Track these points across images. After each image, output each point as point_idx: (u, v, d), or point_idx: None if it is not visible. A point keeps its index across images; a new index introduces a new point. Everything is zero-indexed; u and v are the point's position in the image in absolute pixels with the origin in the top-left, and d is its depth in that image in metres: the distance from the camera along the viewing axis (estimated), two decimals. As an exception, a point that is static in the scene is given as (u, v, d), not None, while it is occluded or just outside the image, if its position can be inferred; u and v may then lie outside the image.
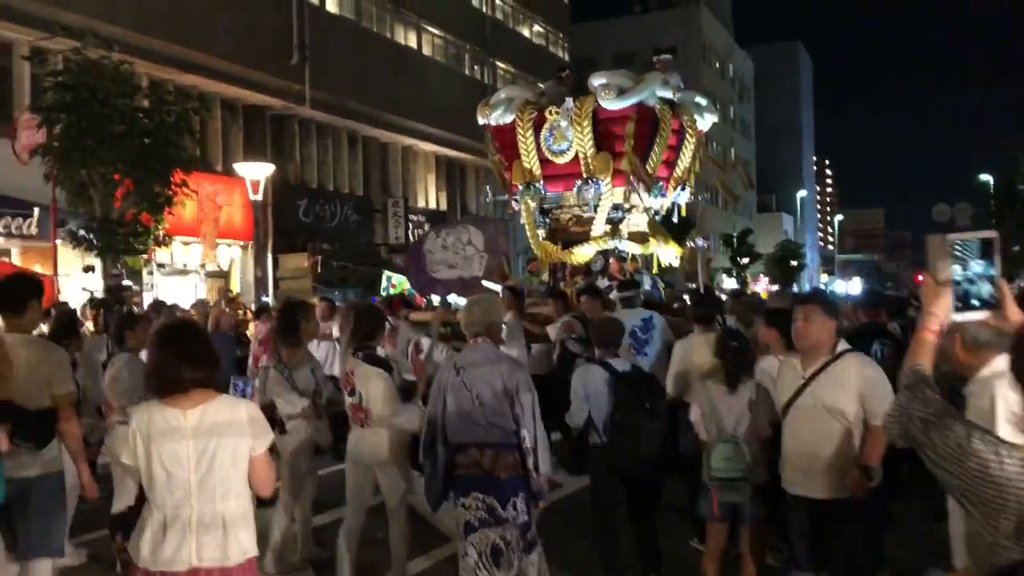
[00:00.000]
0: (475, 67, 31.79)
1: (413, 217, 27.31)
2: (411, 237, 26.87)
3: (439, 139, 28.44)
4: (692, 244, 12.19)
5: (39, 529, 4.18)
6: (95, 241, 13.84)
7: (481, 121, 11.77)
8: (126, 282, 13.92)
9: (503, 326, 8.82)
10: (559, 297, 9.41)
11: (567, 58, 38.64)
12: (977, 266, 2.23)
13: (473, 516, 4.18)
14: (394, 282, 17.78)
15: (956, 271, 2.22)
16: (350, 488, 5.10)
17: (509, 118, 11.23)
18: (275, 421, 5.05)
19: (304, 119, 24.13)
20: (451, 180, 30.98)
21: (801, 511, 4.15)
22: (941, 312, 2.22)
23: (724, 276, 47.71)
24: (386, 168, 28.17)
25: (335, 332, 8.79)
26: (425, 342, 8.24)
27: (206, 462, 2.97)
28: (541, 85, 12.31)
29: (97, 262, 14.41)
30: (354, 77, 24.68)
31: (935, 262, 2.24)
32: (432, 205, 29.88)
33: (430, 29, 29.25)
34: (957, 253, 2.23)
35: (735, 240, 48.17)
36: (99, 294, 12.58)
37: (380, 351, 5.46)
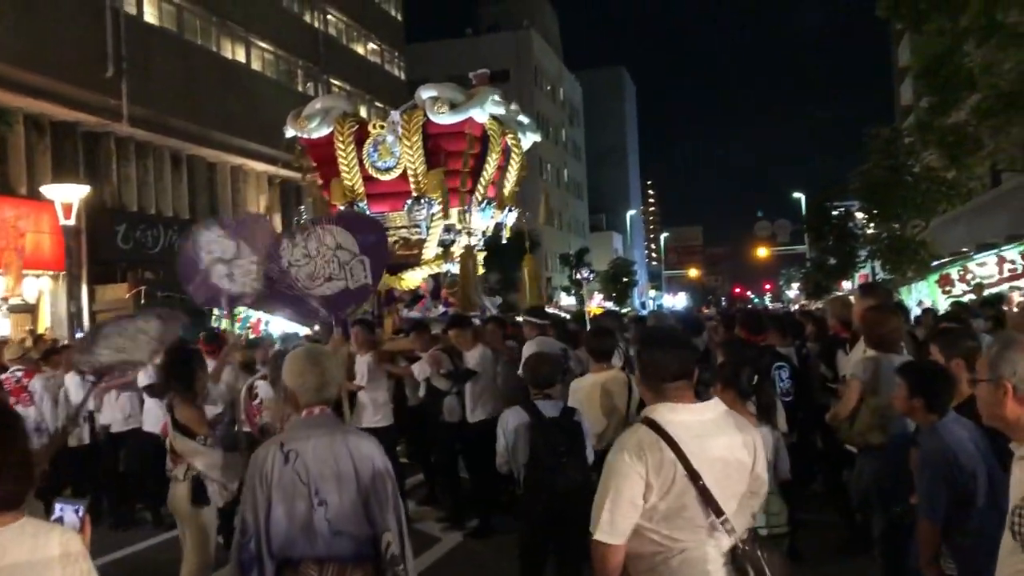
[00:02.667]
0: (308, 84, 30.56)
1: (245, 242, 25.68)
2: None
3: (271, 158, 26.89)
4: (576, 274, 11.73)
5: None
6: None
7: (292, 133, 10.73)
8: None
9: (363, 369, 8.13)
10: (422, 329, 8.71)
11: (402, 77, 38.00)
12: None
13: None
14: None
15: None
16: None
17: (326, 131, 10.33)
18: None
19: (122, 137, 22.20)
20: (285, 201, 29.51)
21: None
22: None
23: (563, 294, 48.34)
24: (214, 189, 26.42)
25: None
26: (262, 386, 7.12)
27: None
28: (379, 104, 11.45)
29: None
30: (177, 92, 22.98)
31: None
32: (265, 228, 28.30)
33: (259, 44, 27.84)
34: None
35: (572, 259, 48.95)
36: None
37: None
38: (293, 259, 7.14)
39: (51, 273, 19.48)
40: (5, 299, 17.79)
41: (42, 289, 19.76)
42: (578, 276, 38.79)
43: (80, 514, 2.13)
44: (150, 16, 23.17)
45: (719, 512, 2.71)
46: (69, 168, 19.91)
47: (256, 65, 27.84)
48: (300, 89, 30.04)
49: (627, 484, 2.68)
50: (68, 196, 15.14)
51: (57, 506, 2.12)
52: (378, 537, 3.02)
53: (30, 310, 19.45)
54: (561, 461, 4.41)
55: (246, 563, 2.98)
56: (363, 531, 3.03)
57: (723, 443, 2.76)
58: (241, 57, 26.98)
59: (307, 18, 30.77)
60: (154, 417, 7.67)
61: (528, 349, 7.01)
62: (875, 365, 4.74)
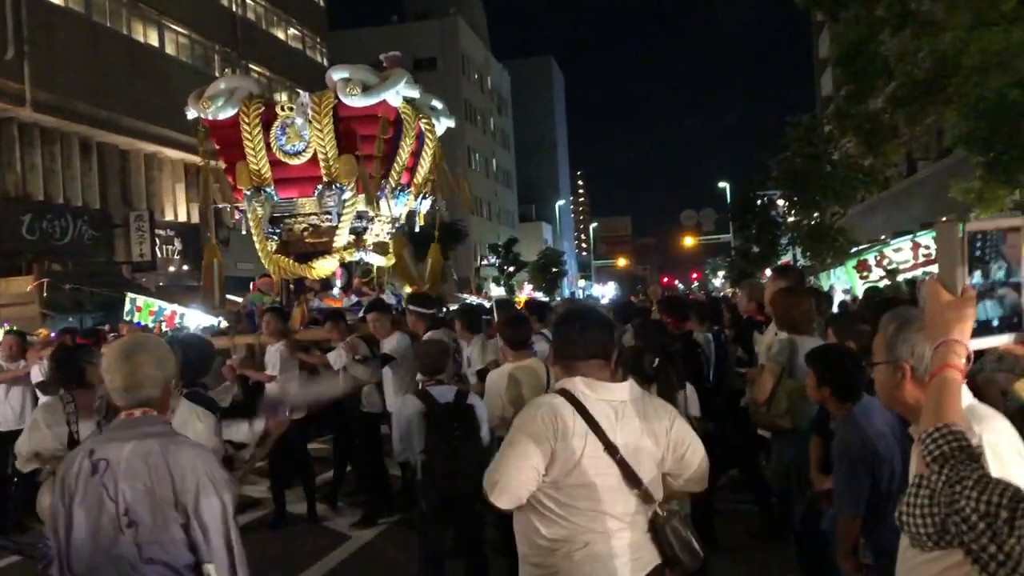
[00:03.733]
0: (226, 69, 29.61)
1: (160, 232, 24.81)
2: (158, 254, 24.41)
3: (187, 145, 26.02)
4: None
5: None
6: None
7: (193, 115, 10.15)
8: None
9: (275, 359, 7.78)
10: (337, 318, 8.38)
11: (325, 64, 37.23)
12: (999, 269, 1.58)
13: None
14: (139, 304, 15.76)
15: (976, 277, 1.56)
16: None
17: (230, 112, 9.79)
18: None
19: (25, 123, 21.14)
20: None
21: None
22: (966, 338, 1.55)
23: (492, 284, 48.17)
24: (127, 178, 25.41)
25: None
26: None
27: None
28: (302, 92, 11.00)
29: None
30: (85, 77, 22.00)
31: (949, 263, 1.56)
32: (182, 218, 27.39)
33: (173, 27, 26.87)
34: (977, 252, 1.56)
35: (501, 249, 48.78)
36: None
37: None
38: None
39: (-51, 266, 18.46)
40: None
41: (-61, 283, 18.73)
42: (490, 263, 38.58)
43: None
44: (54, -5, 22.13)
45: (637, 482, 2.60)
46: (-33, 155, 18.89)
47: (170, 49, 26.87)
48: (217, 74, 29.06)
49: (531, 448, 2.57)
50: (-39, 183, 14.29)
51: None
52: (198, 568, 2.53)
53: (-74, 305, 18.41)
54: (455, 447, 4.38)
55: None
56: (181, 559, 2.52)
57: (634, 426, 2.65)
58: (154, 40, 26.02)
59: (224, 1, 29.84)
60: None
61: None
62: (790, 347, 4.67)
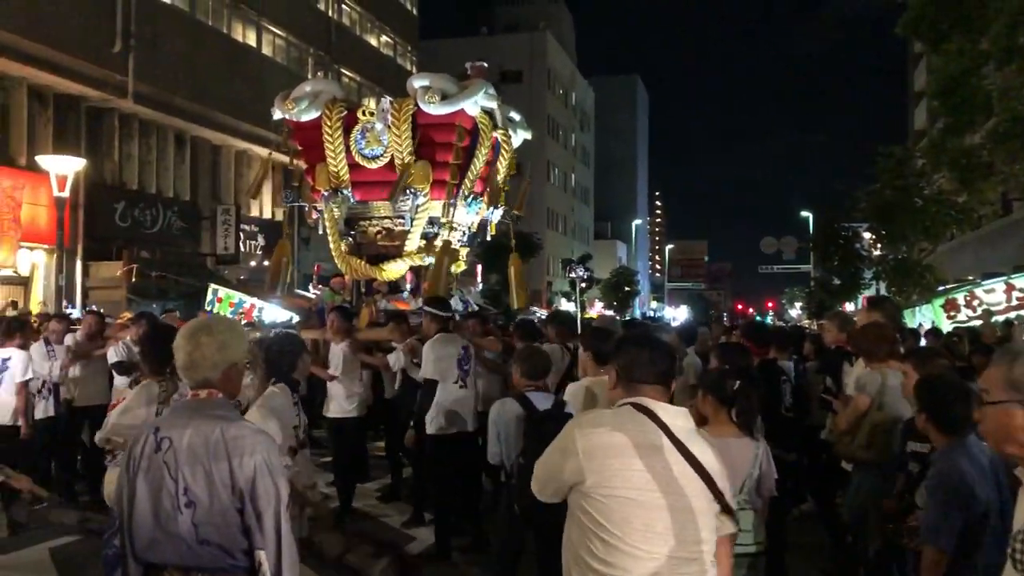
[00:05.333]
0: (319, 72, 30.32)
1: (245, 227, 25.49)
2: (242, 248, 25.05)
3: (277, 144, 26.72)
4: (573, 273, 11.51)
5: None
6: None
7: (279, 115, 10.41)
8: None
9: (338, 358, 7.87)
10: (400, 320, 8.47)
11: (413, 71, 37.79)
12: None
13: None
14: (221, 296, 16.17)
15: None
16: None
17: (314, 114, 10.02)
18: None
19: (125, 114, 21.97)
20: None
21: None
22: None
23: (563, 300, 48.08)
24: (217, 172, 26.19)
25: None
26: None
27: None
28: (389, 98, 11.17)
29: None
30: (185, 72, 22.74)
31: None
32: (267, 214, 28.08)
33: (271, 28, 27.62)
34: None
35: (573, 262, 48.67)
36: None
37: None
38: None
39: (46, 247, 19.21)
40: (-2, 270, 17.59)
41: (36, 262, 19.52)
42: (571, 275, 38.36)
43: None
44: (161, -7, 22.97)
45: (720, 495, 2.53)
46: (70, 142, 19.66)
47: (267, 50, 27.61)
48: (309, 76, 29.80)
49: (566, 454, 2.60)
50: (63, 168, 14.92)
51: None
52: (251, 552, 2.55)
53: (24, 283, 19.22)
54: None
55: (109, 560, 2.66)
56: (235, 543, 2.53)
57: (695, 451, 2.56)
58: (252, 40, 26.76)
59: (321, 5, 30.55)
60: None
61: (428, 347, 6.80)
62: (880, 380, 4.54)
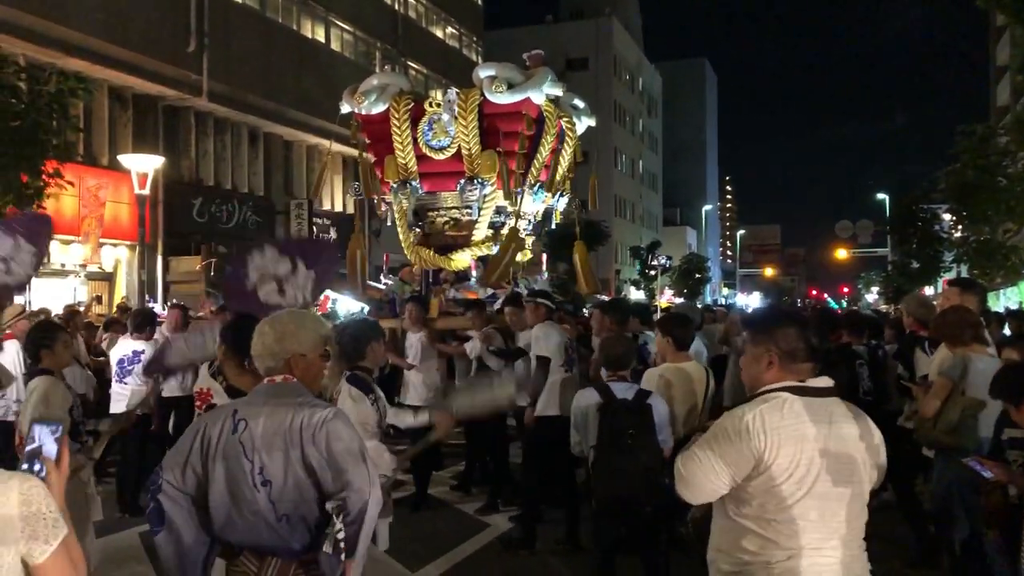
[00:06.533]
0: (386, 66, 30.58)
1: (318, 220, 25.97)
2: (315, 241, 25.53)
3: (346, 138, 27.01)
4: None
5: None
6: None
7: (347, 109, 10.57)
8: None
9: (415, 348, 7.96)
10: (479, 308, 8.51)
11: (480, 62, 37.88)
12: None
13: None
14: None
15: None
16: None
17: (381, 108, 10.12)
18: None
19: (201, 112, 22.59)
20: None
21: None
22: None
23: (632, 288, 47.76)
24: (289, 167, 26.76)
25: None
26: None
27: None
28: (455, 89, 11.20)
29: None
30: (257, 69, 23.26)
31: None
32: (339, 208, 28.55)
33: (339, 24, 28.01)
34: None
35: (644, 252, 48.28)
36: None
37: None
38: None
39: (128, 243, 19.91)
40: (83, 266, 18.26)
41: (119, 258, 20.26)
42: (653, 263, 37.66)
43: (58, 435, 1.81)
44: (233, -7, 23.48)
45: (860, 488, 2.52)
46: (149, 141, 20.30)
47: (335, 45, 28.00)
48: (377, 70, 30.11)
49: (733, 448, 2.44)
50: (143, 166, 15.42)
51: (35, 429, 1.82)
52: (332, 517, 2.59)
53: (107, 278, 19.94)
54: (629, 443, 4.24)
55: (151, 517, 2.72)
56: (313, 516, 2.63)
57: (850, 433, 2.51)
58: (320, 36, 27.18)
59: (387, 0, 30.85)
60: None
61: (539, 328, 6.74)
62: (964, 364, 4.41)
